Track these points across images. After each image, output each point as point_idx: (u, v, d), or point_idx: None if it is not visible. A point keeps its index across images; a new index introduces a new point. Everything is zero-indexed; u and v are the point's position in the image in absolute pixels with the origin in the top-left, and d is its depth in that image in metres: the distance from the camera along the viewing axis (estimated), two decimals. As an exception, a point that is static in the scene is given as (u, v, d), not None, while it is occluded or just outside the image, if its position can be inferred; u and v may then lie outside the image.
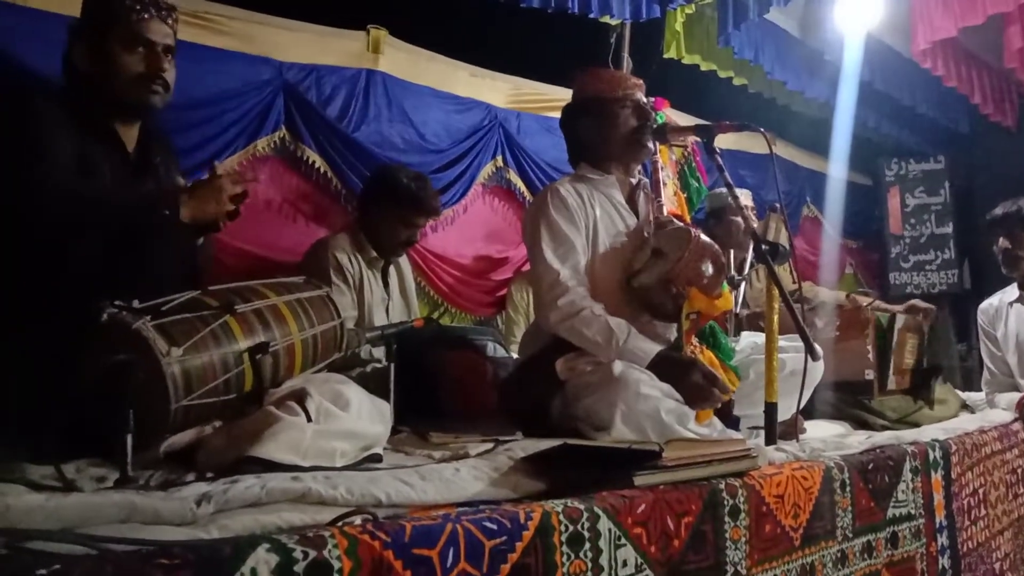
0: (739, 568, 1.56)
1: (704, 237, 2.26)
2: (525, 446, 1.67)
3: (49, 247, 1.63)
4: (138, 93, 1.81)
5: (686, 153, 3.55)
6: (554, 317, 2.16)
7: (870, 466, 2.01)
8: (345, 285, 2.88)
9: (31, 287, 1.62)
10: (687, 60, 4.22)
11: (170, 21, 1.86)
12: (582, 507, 1.29)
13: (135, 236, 1.68)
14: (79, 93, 1.81)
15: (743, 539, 1.58)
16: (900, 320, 2.99)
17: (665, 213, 2.42)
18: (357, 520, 1.10)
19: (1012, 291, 3.43)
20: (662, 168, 2.56)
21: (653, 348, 2.09)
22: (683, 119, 4.01)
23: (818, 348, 2.09)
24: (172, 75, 1.86)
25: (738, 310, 2.85)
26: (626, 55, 3.87)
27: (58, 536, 0.94)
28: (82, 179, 1.70)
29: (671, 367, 2.06)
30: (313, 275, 2.12)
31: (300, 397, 1.50)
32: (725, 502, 1.55)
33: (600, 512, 1.31)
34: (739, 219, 3.43)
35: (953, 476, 2.35)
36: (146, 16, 1.80)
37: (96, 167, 1.74)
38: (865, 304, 2.98)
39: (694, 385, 2.03)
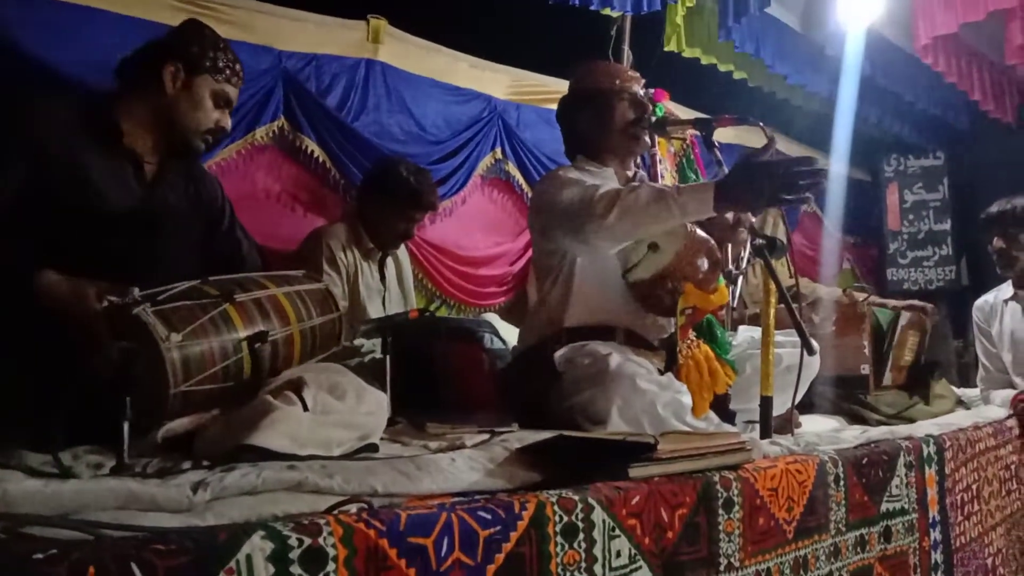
0: (732, 560, 1.57)
1: (700, 232, 2.25)
2: (521, 437, 1.67)
3: (48, 241, 1.63)
4: (198, 141, 1.86)
5: (685, 146, 3.55)
6: (599, 211, 1.95)
7: (864, 461, 2.02)
8: (337, 275, 2.88)
9: (29, 276, 1.62)
10: (687, 54, 4.21)
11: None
12: (576, 498, 1.29)
13: (139, 240, 1.70)
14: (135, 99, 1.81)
15: (736, 531, 1.58)
16: (904, 317, 2.99)
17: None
18: (353, 509, 1.10)
19: (1007, 289, 3.43)
20: (660, 161, 2.56)
21: (709, 183, 1.90)
22: (683, 113, 4.01)
23: (814, 343, 2.09)
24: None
25: (734, 305, 2.85)
26: (626, 48, 3.87)
27: (55, 522, 0.95)
28: (89, 190, 1.70)
29: (744, 177, 1.84)
30: (306, 264, 2.12)
31: (297, 386, 1.51)
32: (719, 495, 1.56)
33: (595, 503, 1.31)
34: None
35: (947, 471, 2.36)
36: (234, 80, 1.88)
37: (108, 177, 1.74)
38: (861, 299, 2.98)
39: (783, 180, 1.80)
